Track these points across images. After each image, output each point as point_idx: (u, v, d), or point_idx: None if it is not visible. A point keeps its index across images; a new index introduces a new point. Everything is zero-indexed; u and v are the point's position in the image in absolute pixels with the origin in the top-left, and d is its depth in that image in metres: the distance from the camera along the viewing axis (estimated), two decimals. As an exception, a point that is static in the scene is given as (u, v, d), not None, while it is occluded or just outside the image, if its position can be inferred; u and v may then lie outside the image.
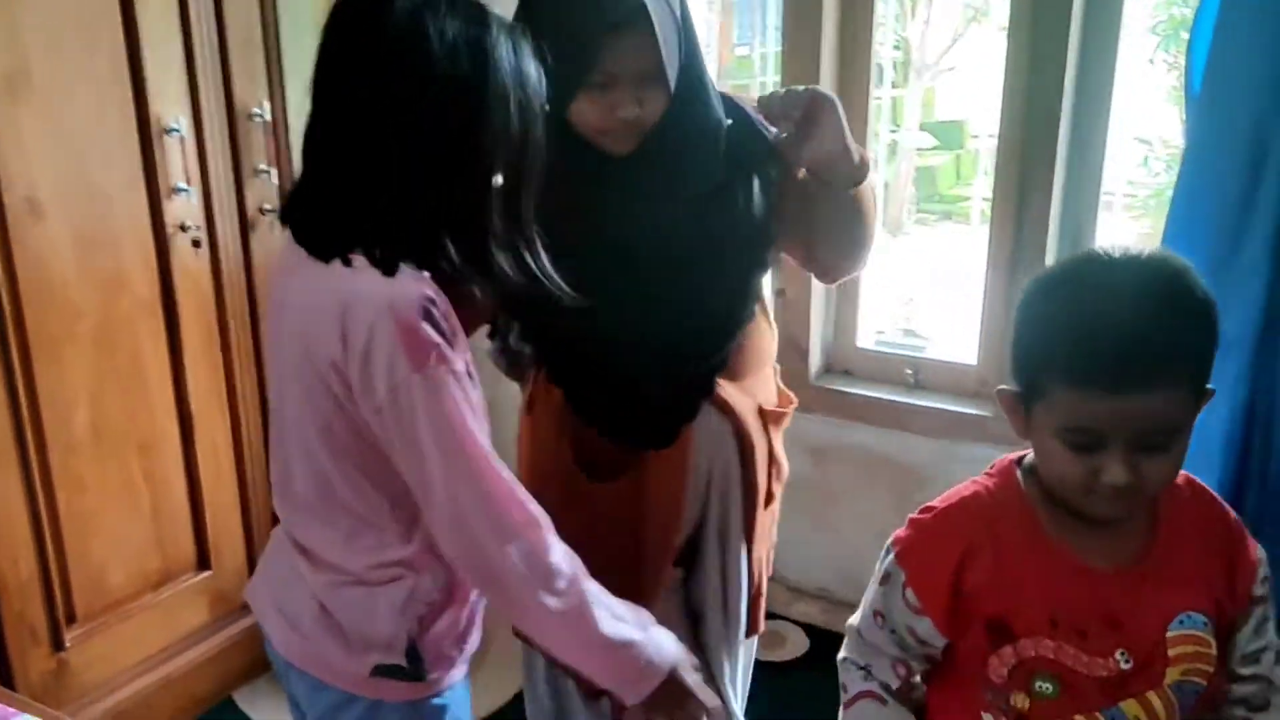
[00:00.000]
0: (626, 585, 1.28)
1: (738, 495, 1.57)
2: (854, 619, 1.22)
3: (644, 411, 1.49)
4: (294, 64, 2.32)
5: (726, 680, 1.66)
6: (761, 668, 2.59)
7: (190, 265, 2.19)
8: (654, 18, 1.28)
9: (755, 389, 1.56)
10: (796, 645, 2.60)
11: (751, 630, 1.68)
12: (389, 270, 1.09)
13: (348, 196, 1.12)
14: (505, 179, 1.14)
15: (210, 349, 2.27)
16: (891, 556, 1.16)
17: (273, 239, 2.35)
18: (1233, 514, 1.15)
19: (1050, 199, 2.23)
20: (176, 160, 2.12)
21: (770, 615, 2.66)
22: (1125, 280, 1.01)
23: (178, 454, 2.26)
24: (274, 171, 2.32)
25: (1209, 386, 1.04)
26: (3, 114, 1.85)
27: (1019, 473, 1.14)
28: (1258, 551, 1.14)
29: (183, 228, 2.16)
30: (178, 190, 2.13)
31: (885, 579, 1.16)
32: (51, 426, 2.00)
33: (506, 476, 1.14)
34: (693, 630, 1.63)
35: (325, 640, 1.23)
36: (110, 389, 2.10)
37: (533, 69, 1.15)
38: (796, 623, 2.67)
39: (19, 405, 1.94)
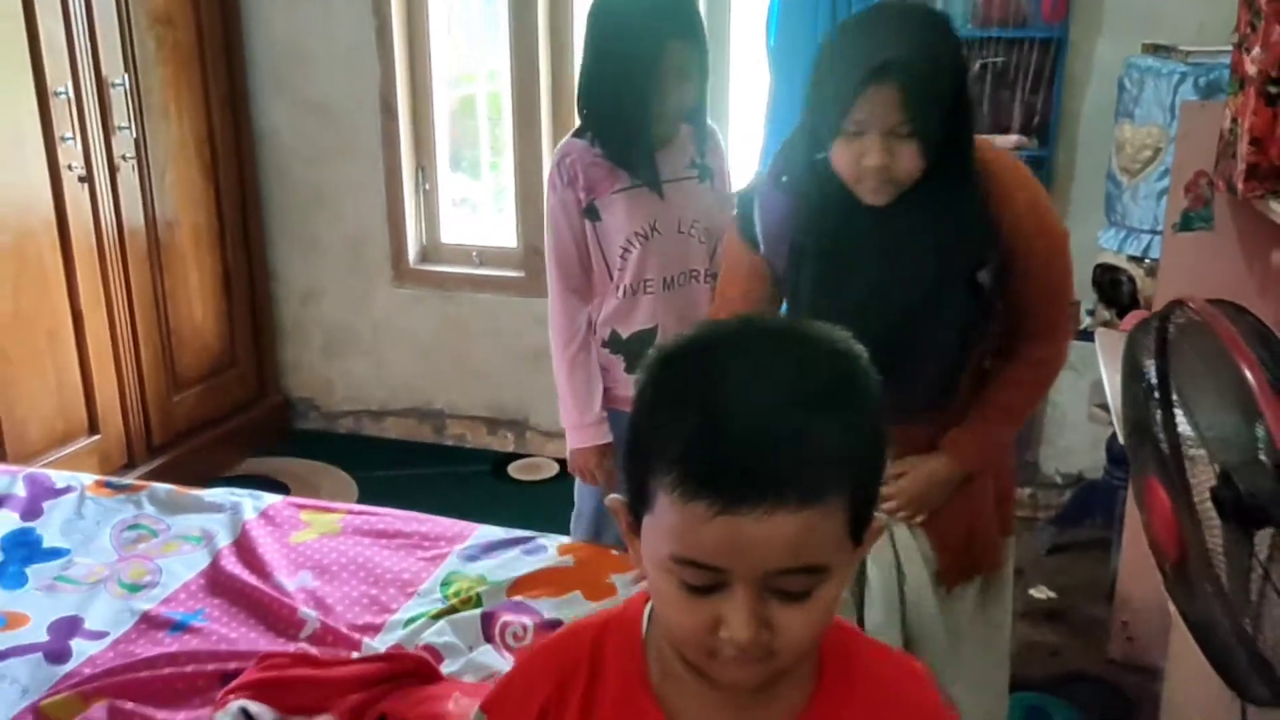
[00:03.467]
0: None
1: None
2: None
3: None
4: (143, 45, 3.08)
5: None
6: (523, 487, 3.54)
7: (77, 196, 2.92)
8: (907, 74, 1.34)
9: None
10: (549, 471, 3.59)
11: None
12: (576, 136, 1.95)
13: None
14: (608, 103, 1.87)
15: (91, 260, 2.99)
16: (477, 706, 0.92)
17: (132, 179, 3.09)
18: (945, 707, 0.89)
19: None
20: (63, 117, 2.85)
21: (532, 454, 3.65)
22: (762, 359, 0.75)
23: (71, 341, 2.97)
24: (133, 127, 3.06)
25: (875, 515, 0.79)
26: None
27: (648, 609, 0.86)
28: None
29: (69, 167, 2.88)
30: (64, 139, 2.86)
31: None
32: (-11, 311, 2.70)
33: (559, 259, 1.94)
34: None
35: None
36: (25, 287, 2.81)
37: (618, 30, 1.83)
38: (550, 458, 3.65)
39: (-35, 294, 2.64)
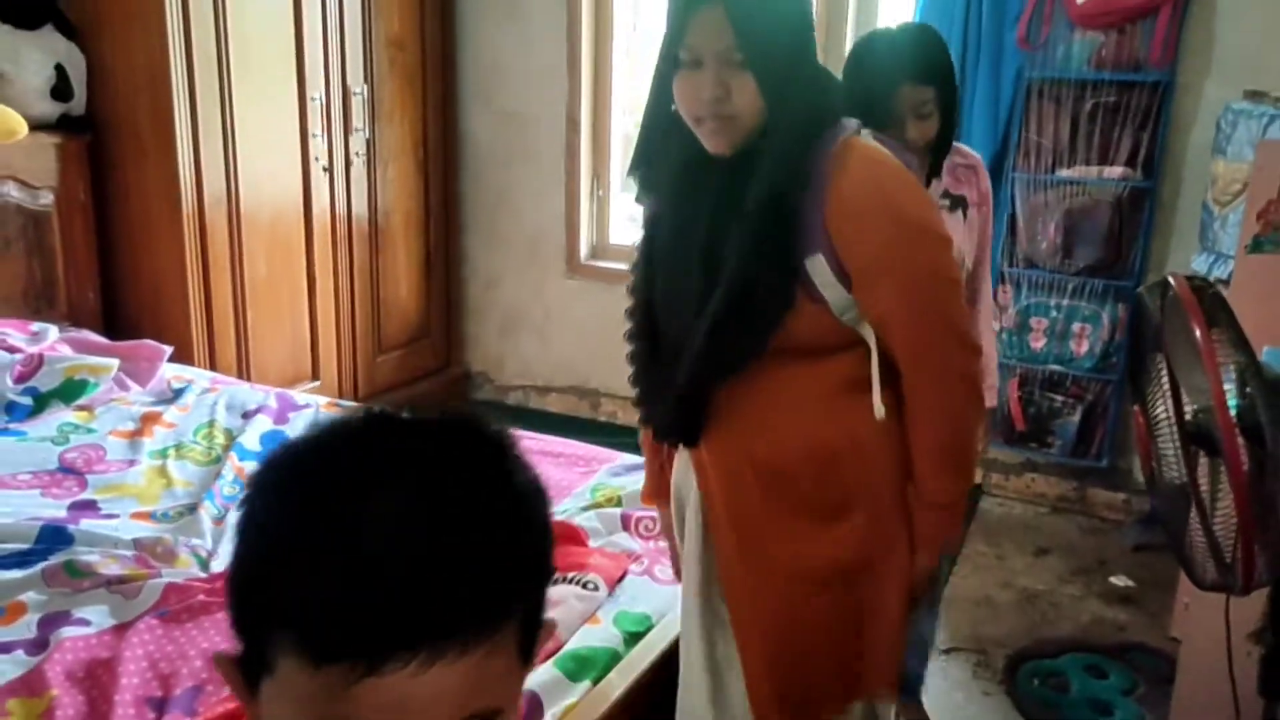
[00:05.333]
0: None
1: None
2: None
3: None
4: (379, 62, 3.73)
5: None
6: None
7: (319, 184, 3.59)
8: None
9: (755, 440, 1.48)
10: (688, 448, 4.06)
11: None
12: None
13: None
14: None
15: (326, 238, 3.66)
16: None
17: (362, 172, 3.75)
18: None
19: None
20: (315, 118, 3.52)
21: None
22: (392, 472, 0.60)
23: (305, 303, 3.63)
24: (365, 129, 3.72)
25: (545, 619, 0.67)
26: (239, 88, 3.22)
27: None
28: None
29: (316, 159, 3.55)
30: (314, 135, 3.53)
31: None
32: (249, 273, 3.37)
33: None
34: None
35: None
36: (275, 256, 3.48)
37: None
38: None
39: (236, 258, 3.32)
